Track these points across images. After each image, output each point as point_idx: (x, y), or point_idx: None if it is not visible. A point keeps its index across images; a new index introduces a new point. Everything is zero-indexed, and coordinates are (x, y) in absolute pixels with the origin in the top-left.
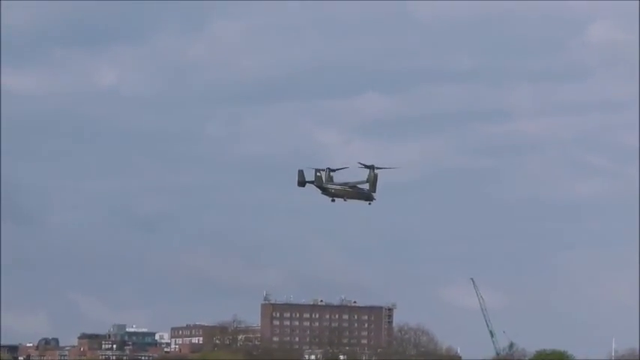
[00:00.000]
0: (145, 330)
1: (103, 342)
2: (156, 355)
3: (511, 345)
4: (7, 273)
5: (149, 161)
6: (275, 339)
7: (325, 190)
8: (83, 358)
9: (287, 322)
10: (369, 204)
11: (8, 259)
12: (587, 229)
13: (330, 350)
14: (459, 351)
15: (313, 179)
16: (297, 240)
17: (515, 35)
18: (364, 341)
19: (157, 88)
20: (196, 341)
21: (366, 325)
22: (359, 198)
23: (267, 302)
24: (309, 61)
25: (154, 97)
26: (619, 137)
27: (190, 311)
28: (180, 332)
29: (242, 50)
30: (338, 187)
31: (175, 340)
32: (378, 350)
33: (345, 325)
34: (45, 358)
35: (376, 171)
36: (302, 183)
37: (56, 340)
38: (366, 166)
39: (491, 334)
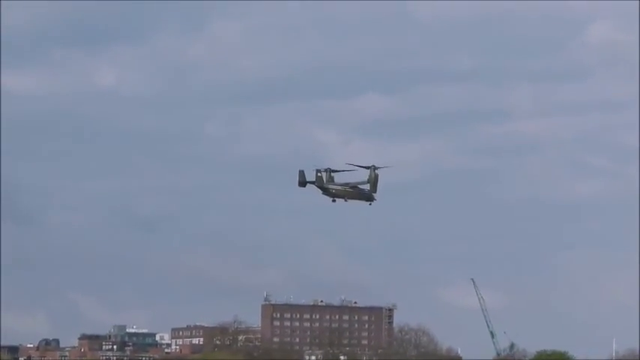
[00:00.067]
0: (145, 331)
1: (104, 343)
2: (156, 356)
3: (512, 345)
4: (7, 273)
5: (149, 161)
6: (275, 339)
7: (326, 191)
8: (83, 358)
9: (287, 323)
10: (370, 204)
11: (8, 259)
12: (587, 230)
13: (331, 351)
14: (459, 352)
15: (314, 179)
16: (297, 240)
17: (515, 35)
18: (364, 342)
19: (156, 88)
20: (197, 342)
21: (366, 326)
22: (360, 198)
23: (267, 303)
24: (309, 61)
25: (153, 97)
26: (619, 137)
27: (191, 312)
28: (181, 333)
29: (242, 50)
30: (339, 187)
31: (176, 341)
32: (379, 351)
33: (346, 325)
34: (45, 358)
35: (377, 171)
36: (303, 183)
37: (57, 341)
38: (366, 167)
39: (492, 334)
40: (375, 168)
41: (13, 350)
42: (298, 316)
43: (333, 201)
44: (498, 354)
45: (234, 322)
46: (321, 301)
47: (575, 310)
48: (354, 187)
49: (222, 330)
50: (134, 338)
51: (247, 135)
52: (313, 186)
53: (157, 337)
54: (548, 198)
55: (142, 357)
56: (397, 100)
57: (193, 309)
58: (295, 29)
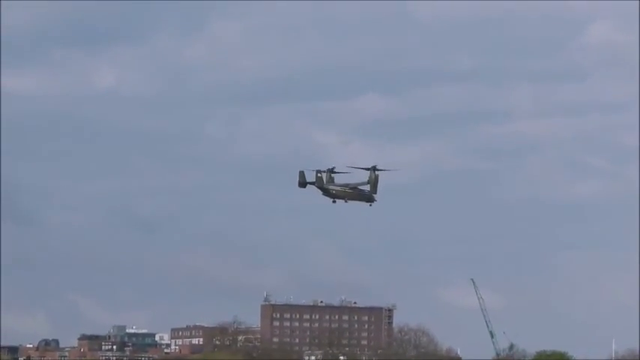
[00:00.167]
0: (145, 331)
1: (103, 343)
2: (156, 356)
3: (511, 346)
4: (7, 273)
5: (149, 161)
6: (275, 340)
7: (326, 191)
8: (83, 359)
9: (287, 323)
10: (370, 205)
11: (8, 259)
12: (587, 230)
13: (330, 351)
14: (459, 352)
15: (314, 180)
16: (297, 241)
17: (515, 36)
18: (364, 342)
19: (156, 88)
20: (196, 342)
21: (366, 326)
22: (360, 199)
23: (267, 303)
24: (308, 62)
25: (153, 97)
26: (619, 138)
27: (190, 312)
28: (181, 333)
29: (242, 51)
30: (339, 188)
31: (175, 341)
32: (378, 351)
33: (345, 325)
34: (45, 359)
35: (377, 172)
36: (303, 184)
37: (56, 341)
38: (366, 168)
39: (492, 334)
40: (375, 169)
41: (13, 350)
42: (298, 316)
43: (334, 202)
44: (498, 354)
45: (234, 322)
46: (321, 302)
47: (575, 310)
48: (354, 188)
49: (221, 330)
50: (134, 338)
51: (247, 135)
52: (313, 187)
53: (157, 338)
54: (548, 198)
55: (142, 357)
56: (397, 100)
57: (193, 309)
58: (295, 29)
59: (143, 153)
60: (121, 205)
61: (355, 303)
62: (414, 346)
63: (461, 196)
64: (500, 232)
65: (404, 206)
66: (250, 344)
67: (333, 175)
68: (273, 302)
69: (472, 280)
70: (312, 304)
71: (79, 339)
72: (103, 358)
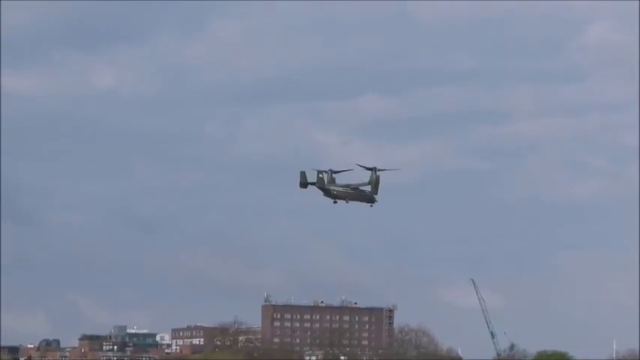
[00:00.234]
0: (145, 331)
1: (104, 343)
2: (157, 357)
3: (512, 346)
4: (8, 273)
5: (149, 162)
6: (276, 340)
7: (327, 192)
8: (84, 359)
9: (288, 324)
10: (371, 206)
11: (8, 259)
12: (587, 230)
13: (331, 351)
14: (459, 352)
15: (315, 180)
16: (297, 241)
17: (514, 36)
18: (365, 342)
19: (156, 88)
20: (197, 342)
21: (366, 327)
22: (361, 200)
23: (267, 303)
24: (308, 62)
25: (153, 97)
26: (618, 138)
27: (191, 312)
28: (181, 333)
29: (242, 51)
30: (340, 188)
31: (176, 342)
32: (379, 351)
33: (346, 326)
34: (46, 359)
35: (378, 173)
36: (304, 184)
37: (57, 342)
38: (368, 168)
39: (492, 335)
40: (377, 170)
41: (14, 350)
42: (299, 316)
43: (335, 202)
44: (499, 354)
45: (235, 322)
46: (322, 302)
47: (575, 310)
48: (355, 188)
49: (222, 330)
50: (134, 339)
51: (247, 135)
52: (314, 187)
53: (158, 338)
54: (548, 198)
55: (143, 357)
56: (397, 100)
57: (194, 309)
58: (295, 29)
59: (143, 153)
60: (121, 205)
61: (356, 303)
62: (414, 346)
63: (461, 196)
64: (500, 232)
65: (404, 206)
66: (251, 344)
67: (334, 175)
68: (273, 303)
69: (472, 280)
70: (312, 304)
71: (80, 339)
72: (104, 358)
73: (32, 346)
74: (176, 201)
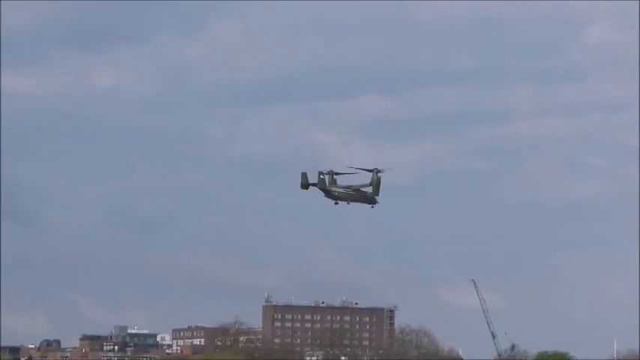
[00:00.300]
0: (146, 331)
1: (105, 343)
2: (157, 357)
3: (513, 346)
4: (8, 274)
5: (149, 162)
6: (276, 340)
7: (328, 193)
8: (85, 359)
9: (288, 324)
10: (372, 207)
11: (8, 259)
12: (587, 230)
13: (332, 352)
14: (460, 352)
15: (316, 181)
16: (297, 241)
17: (514, 36)
18: (366, 343)
19: (156, 88)
20: (198, 343)
21: (367, 327)
22: (362, 201)
23: (268, 304)
24: (308, 62)
25: (153, 97)
26: (618, 138)
27: (192, 313)
28: (182, 334)
29: (241, 51)
30: (341, 190)
31: (177, 342)
32: (380, 352)
33: (347, 326)
34: (46, 359)
35: (379, 174)
36: (305, 185)
37: (58, 342)
38: (368, 170)
39: (493, 335)
40: (377, 171)
41: (15, 351)
42: (299, 317)
43: (336, 203)
44: (499, 355)
45: (235, 322)
46: (322, 302)
47: (576, 310)
48: (356, 189)
49: (223, 331)
50: (135, 339)
51: (247, 135)
52: (315, 187)
53: (158, 338)
54: (548, 199)
55: (143, 357)
56: (397, 100)
57: (194, 310)
58: (295, 30)
59: (143, 153)
60: (121, 205)
61: (356, 304)
62: (415, 346)
63: (461, 196)
64: (501, 232)
65: (404, 206)
66: (252, 345)
67: (335, 176)
68: (274, 303)
69: (473, 281)
70: (313, 304)
71: (81, 339)
72: (105, 358)
73: (33, 346)
74: (176, 201)
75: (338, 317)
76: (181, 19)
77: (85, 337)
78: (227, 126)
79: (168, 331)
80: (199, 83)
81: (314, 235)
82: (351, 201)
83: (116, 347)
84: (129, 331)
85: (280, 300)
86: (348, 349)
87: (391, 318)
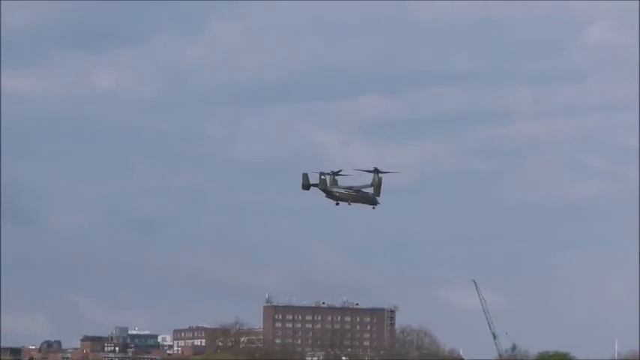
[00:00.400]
0: (147, 332)
1: (106, 344)
2: (158, 358)
3: (513, 347)
4: (8, 274)
5: (149, 162)
6: (277, 341)
7: (330, 194)
8: None
9: (289, 325)
10: (373, 208)
11: (8, 259)
12: (587, 230)
13: (332, 352)
14: (461, 353)
15: (317, 182)
16: (298, 242)
17: (514, 37)
18: (366, 343)
19: (156, 89)
20: (199, 343)
21: (368, 327)
22: (363, 202)
23: (269, 304)
24: (308, 62)
25: (153, 98)
26: (618, 138)
27: (193, 313)
28: (183, 334)
29: (241, 51)
30: (342, 190)
31: (178, 342)
32: (381, 352)
33: (347, 327)
34: None
35: (380, 175)
36: (306, 186)
37: (59, 343)
38: (369, 171)
39: (494, 335)
40: (378, 172)
41: (15, 352)
42: (300, 317)
43: (337, 204)
44: (500, 355)
45: (236, 323)
46: (323, 303)
47: (577, 311)
48: (357, 190)
49: (224, 331)
50: (136, 340)
51: (247, 136)
52: (316, 188)
53: (159, 339)
54: (548, 199)
55: (144, 358)
56: (397, 101)
57: (195, 310)
58: (295, 30)
59: (143, 153)
60: (121, 206)
61: (357, 304)
62: (416, 347)
63: (461, 196)
64: (501, 233)
65: (404, 207)
66: (253, 345)
67: (336, 177)
68: (275, 303)
69: (474, 281)
70: (314, 305)
71: (82, 340)
72: (106, 359)
73: (34, 347)
74: (176, 201)
75: (339, 318)
76: (181, 19)
77: (86, 338)
78: (227, 126)
79: (169, 332)
80: (199, 83)
81: (314, 236)
82: (352, 202)
83: (117, 348)
84: (130, 332)
85: (281, 300)
86: (349, 350)
87: (392, 318)
